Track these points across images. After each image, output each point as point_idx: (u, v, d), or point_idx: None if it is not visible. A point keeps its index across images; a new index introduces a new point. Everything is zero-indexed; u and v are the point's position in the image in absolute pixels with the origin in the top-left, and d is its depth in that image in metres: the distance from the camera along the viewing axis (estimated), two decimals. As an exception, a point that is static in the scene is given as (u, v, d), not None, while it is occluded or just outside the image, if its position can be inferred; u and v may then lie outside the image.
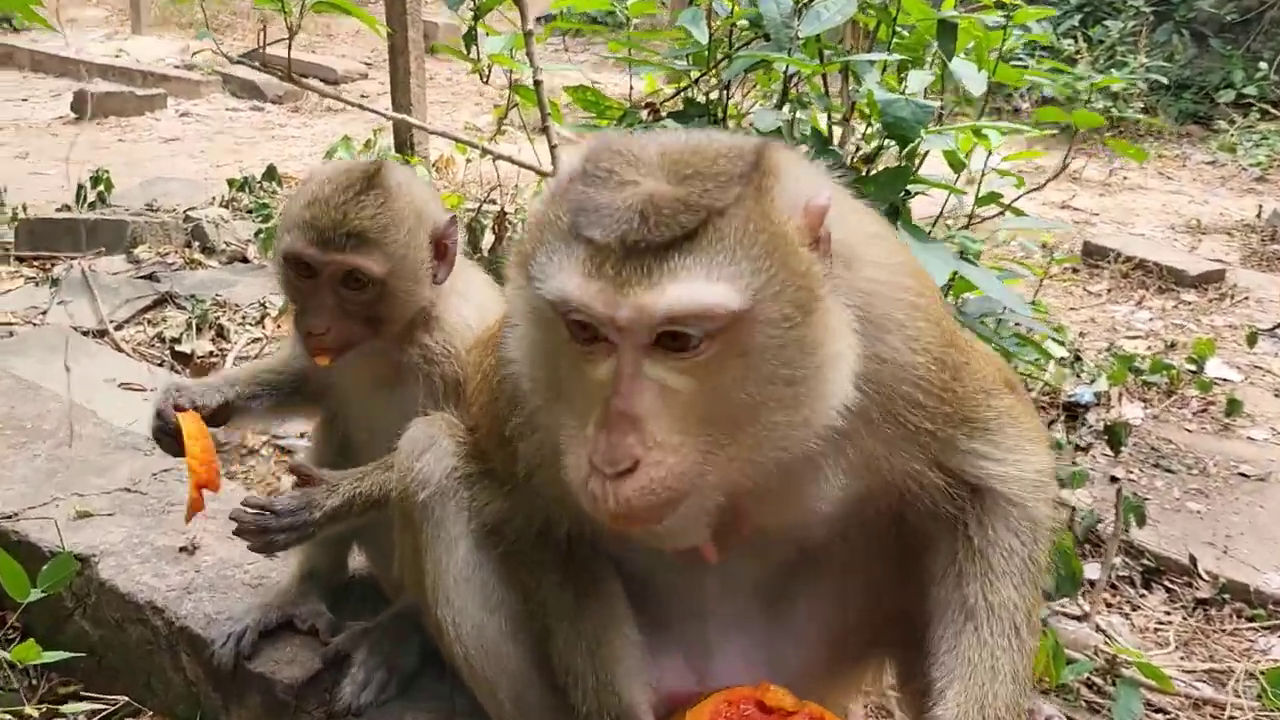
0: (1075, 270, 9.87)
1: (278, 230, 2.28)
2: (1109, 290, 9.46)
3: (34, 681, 2.44)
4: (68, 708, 2.34)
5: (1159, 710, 4.28)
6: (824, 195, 1.44)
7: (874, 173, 3.82)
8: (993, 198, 4.12)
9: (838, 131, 4.02)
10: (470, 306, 2.30)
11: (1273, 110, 15.14)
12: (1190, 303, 9.28)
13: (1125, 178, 13.61)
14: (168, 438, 2.33)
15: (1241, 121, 15.20)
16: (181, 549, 2.62)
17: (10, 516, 2.64)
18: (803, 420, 1.45)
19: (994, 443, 1.75)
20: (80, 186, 7.98)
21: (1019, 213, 4.22)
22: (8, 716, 2.23)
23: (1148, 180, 13.71)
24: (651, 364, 1.34)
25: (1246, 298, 9.44)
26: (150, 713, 2.36)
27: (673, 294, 1.31)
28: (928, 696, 1.75)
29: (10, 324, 5.56)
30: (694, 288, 1.31)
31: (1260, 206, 11.86)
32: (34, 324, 5.54)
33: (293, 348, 2.51)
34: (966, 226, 4.25)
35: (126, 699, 2.35)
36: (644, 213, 1.34)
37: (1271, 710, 4.17)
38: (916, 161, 4.01)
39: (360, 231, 2.11)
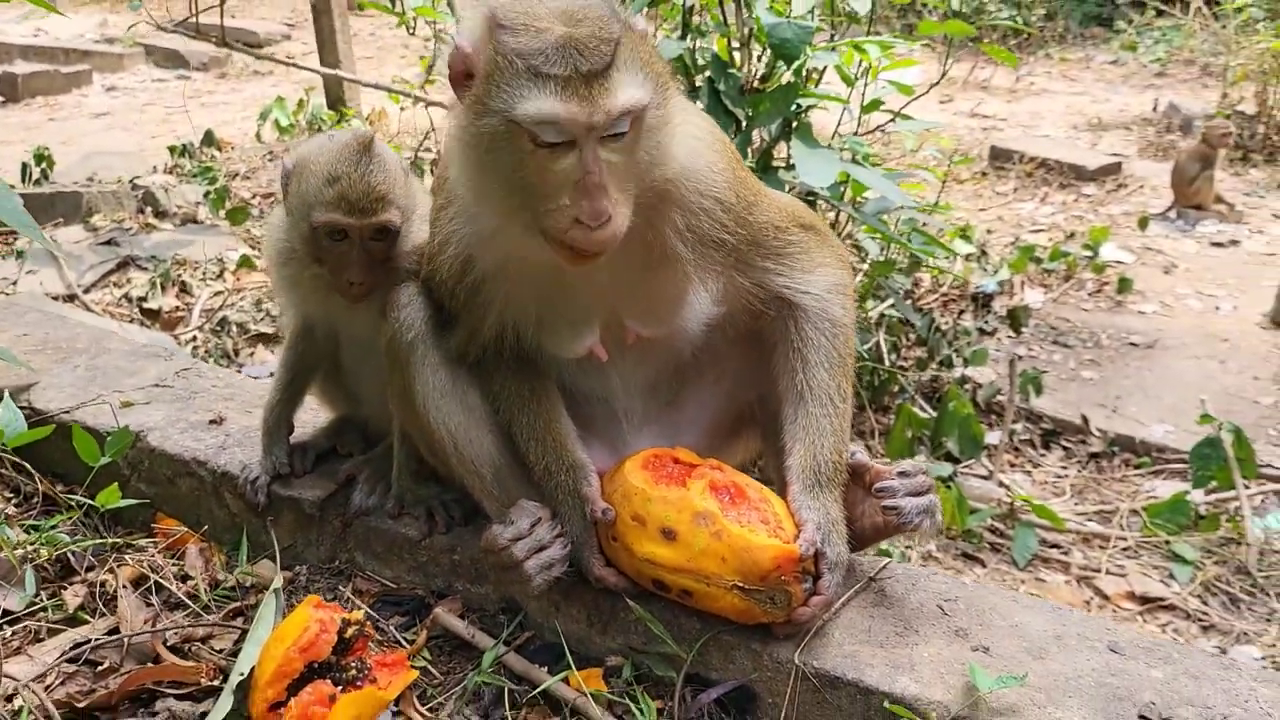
0: (984, 174, 10.46)
1: (295, 208, 2.64)
2: (1014, 190, 10.05)
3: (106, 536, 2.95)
4: (138, 539, 2.97)
5: (1053, 545, 4.89)
6: (639, 22, 2.06)
7: (768, 91, 4.26)
8: (875, 105, 4.60)
9: (738, 57, 4.46)
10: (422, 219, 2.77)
11: (1165, 7, 15.70)
12: (1089, 195, 9.89)
13: (1032, 83, 14.15)
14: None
15: (1139, 20, 15.78)
16: (211, 421, 3.18)
17: (69, 411, 3.24)
18: (663, 167, 2.09)
19: (786, 265, 2.35)
20: (25, 165, 8.24)
21: (906, 118, 4.69)
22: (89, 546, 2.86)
23: (1053, 84, 14.28)
24: (604, 149, 1.93)
25: (1142, 186, 10.07)
26: (203, 541, 2.96)
27: (621, 98, 1.91)
28: (782, 454, 2.41)
29: (-18, 297, 5.88)
30: (629, 91, 1.92)
31: (1156, 100, 12.50)
32: (5, 294, 5.87)
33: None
34: (856, 134, 4.73)
35: (185, 528, 2.99)
36: (579, 50, 1.93)
37: (1150, 536, 4.80)
38: (807, 78, 4.47)
39: (383, 194, 2.59)
